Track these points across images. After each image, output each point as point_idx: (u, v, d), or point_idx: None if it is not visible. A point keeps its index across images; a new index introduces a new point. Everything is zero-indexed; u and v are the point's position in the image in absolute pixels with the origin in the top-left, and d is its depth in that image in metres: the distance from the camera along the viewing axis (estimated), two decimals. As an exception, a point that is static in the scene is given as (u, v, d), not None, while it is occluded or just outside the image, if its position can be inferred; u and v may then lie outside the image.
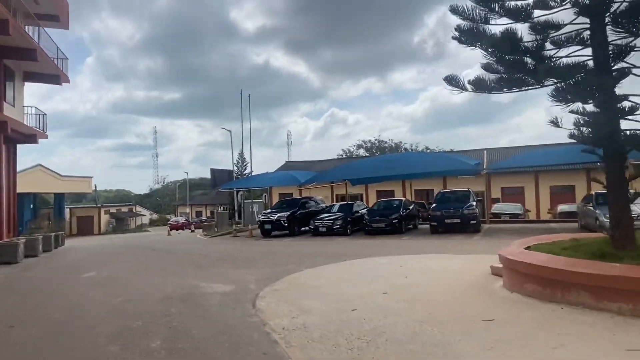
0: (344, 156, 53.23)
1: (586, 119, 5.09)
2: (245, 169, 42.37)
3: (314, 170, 30.57)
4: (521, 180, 30.38)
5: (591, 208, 13.50)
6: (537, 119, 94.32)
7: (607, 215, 12.57)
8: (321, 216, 18.52)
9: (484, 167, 15.66)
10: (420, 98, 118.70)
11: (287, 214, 18.61)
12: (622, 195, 5.03)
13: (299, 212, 19.13)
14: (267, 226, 18.61)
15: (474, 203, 16.20)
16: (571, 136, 5.31)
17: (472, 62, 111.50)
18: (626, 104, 4.95)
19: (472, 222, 15.45)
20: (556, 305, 4.49)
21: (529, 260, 4.96)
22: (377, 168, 19.98)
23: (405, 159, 18.20)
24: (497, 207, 21.74)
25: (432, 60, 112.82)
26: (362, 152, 55.00)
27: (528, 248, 6.08)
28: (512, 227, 17.23)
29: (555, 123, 5.49)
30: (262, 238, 18.28)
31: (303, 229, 18.77)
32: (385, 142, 55.54)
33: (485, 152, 34.00)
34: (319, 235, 17.37)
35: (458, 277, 6.71)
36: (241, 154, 42.86)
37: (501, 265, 6.52)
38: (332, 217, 17.99)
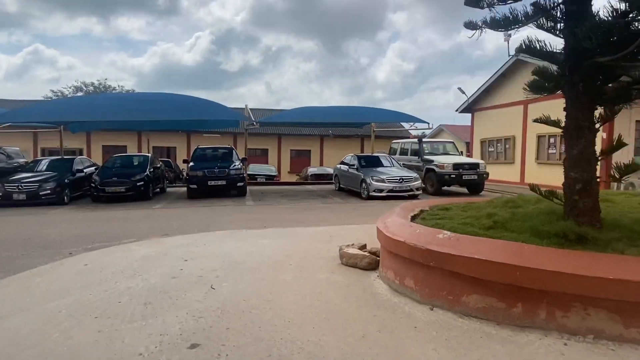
0: (55, 97, 40.85)
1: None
2: None
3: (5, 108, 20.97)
4: (266, 143, 30.65)
5: (355, 171, 13.59)
6: (258, 91, 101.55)
7: (375, 179, 13.13)
8: (18, 176, 12.08)
9: (255, 122, 13.65)
10: (149, 52, 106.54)
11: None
12: (589, 146, 3.54)
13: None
14: None
15: (239, 162, 13.97)
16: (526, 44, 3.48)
17: (203, 24, 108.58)
18: None
19: (239, 184, 13.19)
20: (534, 333, 2.55)
21: (474, 253, 2.84)
22: (110, 110, 14.38)
23: (154, 101, 13.87)
24: (252, 168, 20.47)
25: (163, 14, 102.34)
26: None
27: (414, 220, 4.11)
28: (275, 189, 16.13)
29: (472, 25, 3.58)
30: None
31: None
32: (115, 89, 46.07)
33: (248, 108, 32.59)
34: (14, 206, 11.17)
35: (299, 274, 4.10)
36: None
37: (364, 253, 4.32)
38: (37, 179, 11.93)
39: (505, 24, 3.62)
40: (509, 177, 18.47)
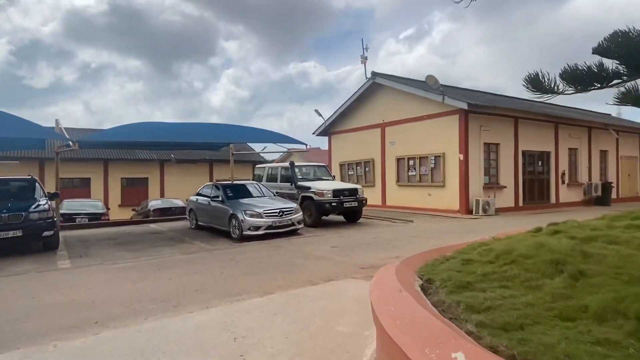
0: None
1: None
2: None
3: None
4: (87, 170, 24.56)
5: (219, 204, 10.77)
6: (74, 110, 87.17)
7: (249, 213, 10.46)
8: None
9: (72, 142, 9.36)
10: None
11: None
12: None
13: None
14: None
15: (45, 200, 9.57)
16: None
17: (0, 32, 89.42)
18: None
19: (46, 233, 8.86)
20: None
21: None
22: None
23: None
24: (68, 206, 15.22)
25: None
26: None
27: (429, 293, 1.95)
28: (105, 233, 11.80)
29: None
30: None
31: None
32: None
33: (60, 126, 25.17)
34: None
35: None
36: None
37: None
38: None
39: None
40: (371, 200, 18.17)
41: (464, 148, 14.35)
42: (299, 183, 12.51)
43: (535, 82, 3.41)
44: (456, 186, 14.63)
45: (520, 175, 16.25)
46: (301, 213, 10.71)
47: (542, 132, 17.20)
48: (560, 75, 3.24)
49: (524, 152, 16.42)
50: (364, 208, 12.86)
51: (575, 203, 18.18)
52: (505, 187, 15.67)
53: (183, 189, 23.57)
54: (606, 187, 19.11)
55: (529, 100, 21.66)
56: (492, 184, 15.23)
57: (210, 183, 12.52)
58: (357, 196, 12.24)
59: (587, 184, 18.85)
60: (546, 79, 3.32)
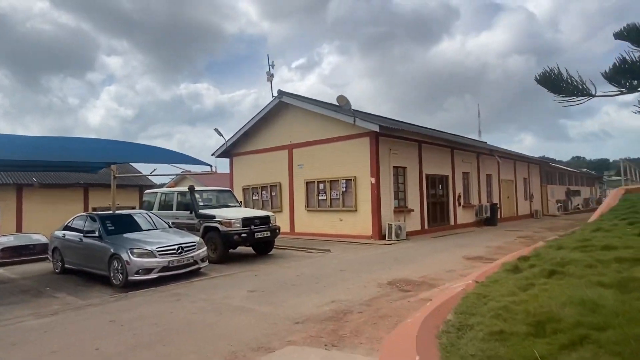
0: None
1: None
2: None
3: None
4: None
5: (96, 241, 8.38)
6: None
7: (137, 252, 8.15)
8: None
9: None
10: None
11: None
12: None
13: None
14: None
15: None
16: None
17: None
18: None
19: None
20: None
21: None
22: None
23: None
24: None
25: None
26: None
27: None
28: None
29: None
30: None
31: None
32: None
33: None
34: None
35: None
36: None
37: None
38: None
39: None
40: (279, 227, 16.91)
41: (375, 171, 14.01)
42: (201, 211, 10.65)
43: (552, 83, 2.56)
44: (368, 211, 14.14)
45: (425, 198, 16.55)
46: (205, 248, 8.89)
47: (441, 156, 17.93)
48: (605, 74, 2.44)
49: (427, 176, 16.82)
50: (275, 237, 11.46)
51: (470, 224, 19.23)
52: (413, 210, 15.74)
53: (48, 220, 19.30)
54: (493, 208, 20.71)
55: (425, 127, 22.88)
56: (402, 208, 15.14)
57: (84, 213, 9.92)
58: (270, 225, 10.82)
59: (478, 205, 20.18)
60: (572, 78, 2.49)
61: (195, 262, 8.39)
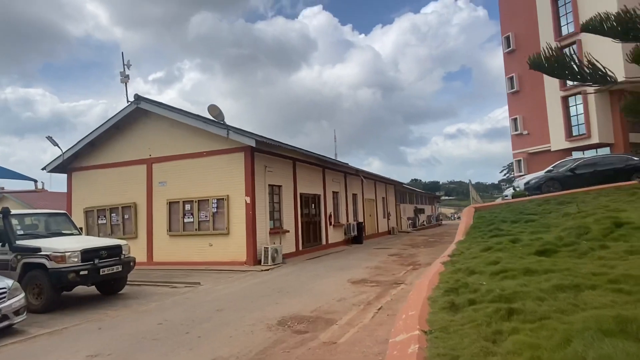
0: None
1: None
2: None
3: None
4: None
5: None
6: None
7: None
8: None
9: None
10: None
11: None
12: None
13: None
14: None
15: None
16: None
17: None
18: None
19: None
20: None
21: None
22: None
23: None
24: None
25: None
26: None
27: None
28: None
29: None
30: None
31: None
32: None
33: None
34: None
35: None
36: None
37: None
38: None
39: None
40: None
41: (251, 190, 12.83)
42: (20, 243, 7.89)
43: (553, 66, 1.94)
44: (242, 233, 12.81)
45: (299, 218, 15.97)
46: (22, 295, 6.41)
47: (314, 175, 17.73)
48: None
49: (301, 195, 16.33)
50: (129, 271, 9.24)
51: (340, 243, 19.40)
52: (289, 231, 14.97)
53: None
54: (360, 226, 21.40)
55: (298, 148, 22.65)
56: (278, 229, 14.21)
57: None
58: (122, 257, 8.63)
59: (347, 224, 20.59)
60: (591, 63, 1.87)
61: (5, 317, 5.91)
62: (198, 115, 14.65)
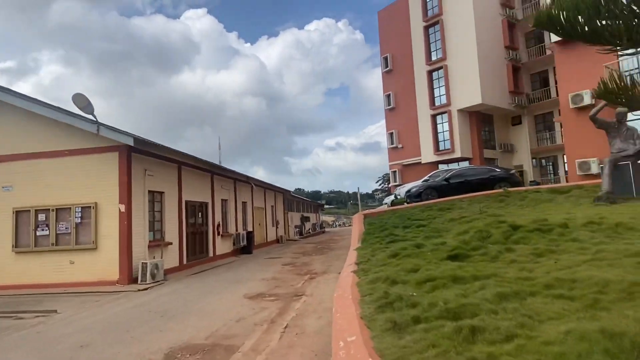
0: None
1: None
2: None
3: None
4: None
5: None
6: None
7: None
8: None
9: None
10: None
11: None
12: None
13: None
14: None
15: None
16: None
17: None
18: None
19: None
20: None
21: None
22: None
23: None
24: None
25: None
26: None
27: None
28: None
29: None
30: None
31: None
32: None
33: None
34: None
35: None
36: None
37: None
38: None
39: None
40: (-42, 281, 11.08)
41: (127, 196, 11.07)
42: None
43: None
44: (115, 247, 10.94)
45: (184, 228, 14.46)
46: None
47: (201, 181, 16.37)
48: None
49: (187, 203, 14.84)
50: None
51: (228, 254, 18.24)
52: (172, 243, 13.39)
53: None
54: (249, 236, 20.49)
55: (182, 152, 20.76)
56: (158, 241, 12.56)
57: None
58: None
59: (236, 234, 19.51)
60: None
61: None
62: (60, 108, 12.24)
